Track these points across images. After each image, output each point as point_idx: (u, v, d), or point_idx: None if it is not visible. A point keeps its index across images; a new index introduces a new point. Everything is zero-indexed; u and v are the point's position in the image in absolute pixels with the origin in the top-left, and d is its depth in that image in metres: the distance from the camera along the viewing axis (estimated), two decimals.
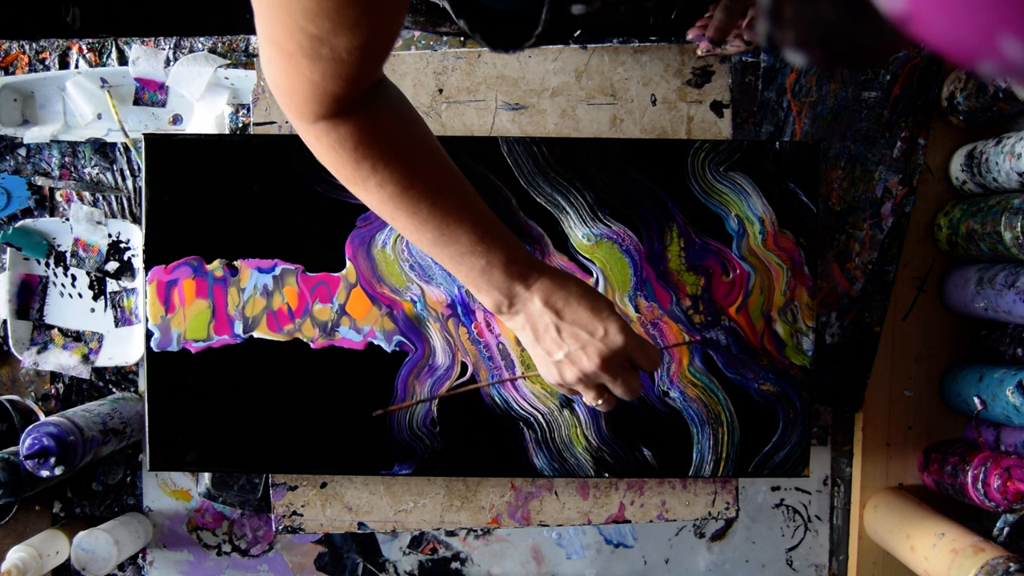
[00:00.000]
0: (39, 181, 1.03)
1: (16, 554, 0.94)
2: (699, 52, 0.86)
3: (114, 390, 1.05)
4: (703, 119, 0.90)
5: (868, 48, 0.27)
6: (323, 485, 0.90)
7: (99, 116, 1.02)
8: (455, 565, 1.09)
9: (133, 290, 1.04)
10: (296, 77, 0.53)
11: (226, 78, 1.00)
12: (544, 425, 0.85)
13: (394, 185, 0.61)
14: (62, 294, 1.04)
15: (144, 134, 0.84)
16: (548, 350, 0.67)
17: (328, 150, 0.60)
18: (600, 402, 0.70)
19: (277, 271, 0.85)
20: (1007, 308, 0.92)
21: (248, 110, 0.99)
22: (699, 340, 0.85)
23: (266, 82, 0.56)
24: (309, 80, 0.53)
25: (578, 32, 0.77)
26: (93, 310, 1.04)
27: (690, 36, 0.84)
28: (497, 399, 0.85)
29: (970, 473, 0.94)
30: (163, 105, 1.03)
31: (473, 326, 0.85)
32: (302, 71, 0.52)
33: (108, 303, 1.04)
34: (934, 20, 0.21)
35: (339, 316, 0.85)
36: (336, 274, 0.85)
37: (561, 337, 0.66)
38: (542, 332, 0.67)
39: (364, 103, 0.58)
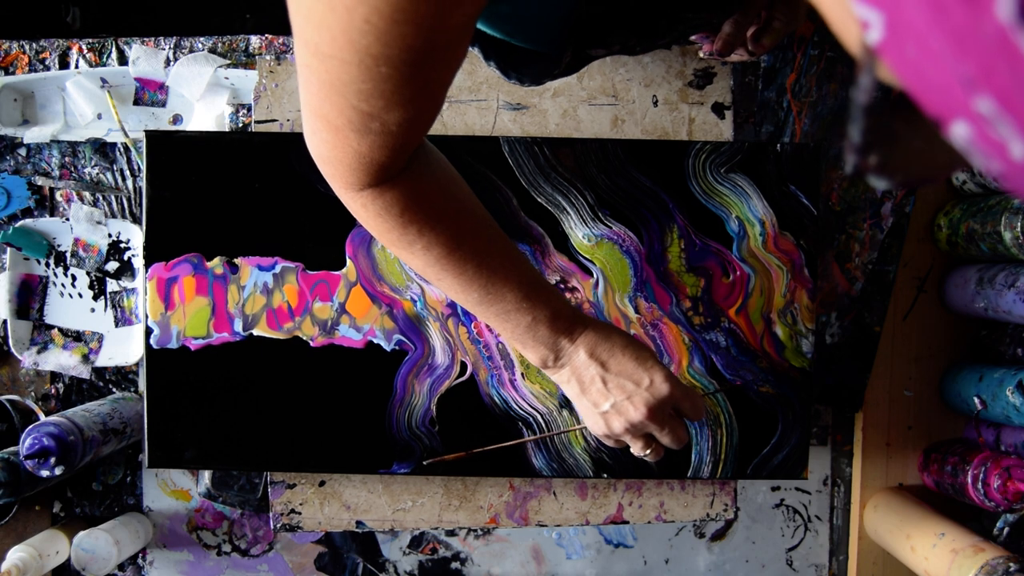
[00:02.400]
0: (39, 181, 1.03)
1: (16, 554, 0.94)
2: (701, 55, 0.87)
3: (114, 390, 1.05)
4: (704, 120, 0.90)
5: (943, 168, 0.29)
6: (321, 483, 0.90)
7: (99, 116, 1.02)
8: (455, 565, 1.09)
9: (133, 290, 1.04)
10: (343, 149, 0.53)
11: (226, 78, 1.00)
12: (543, 425, 0.85)
13: (441, 247, 0.61)
14: (62, 294, 1.04)
15: (145, 131, 0.84)
16: (595, 401, 0.68)
17: (375, 217, 0.59)
18: (648, 452, 0.71)
19: (277, 269, 0.85)
20: (1007, 308, 0.92)
21: (248, 110, 0.99)
22: (735, 387, 0.86)
23: (309, 151, 0.56)
24: (356, 152, 0.52)
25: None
26: (93, 310, 1.04)
27: (693, 36, 0.84)
28: (496, 399, 0.85)
29: (970, 473, 0.94)
30: (163, 105, 1.03)
31: (473, 325, 0.85)
32: (349, 144, 0.52)
33: (108, 303, 1.04)
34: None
35: (339, 314, 0.85)
36: (336, 272, 0.85)
37: (607, 388, 0.67)
38: (588, 384, 0.68)
39: (407, 168, 0.58)
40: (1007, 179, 0.23)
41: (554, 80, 0.73)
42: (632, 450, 0.71)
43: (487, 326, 0.85)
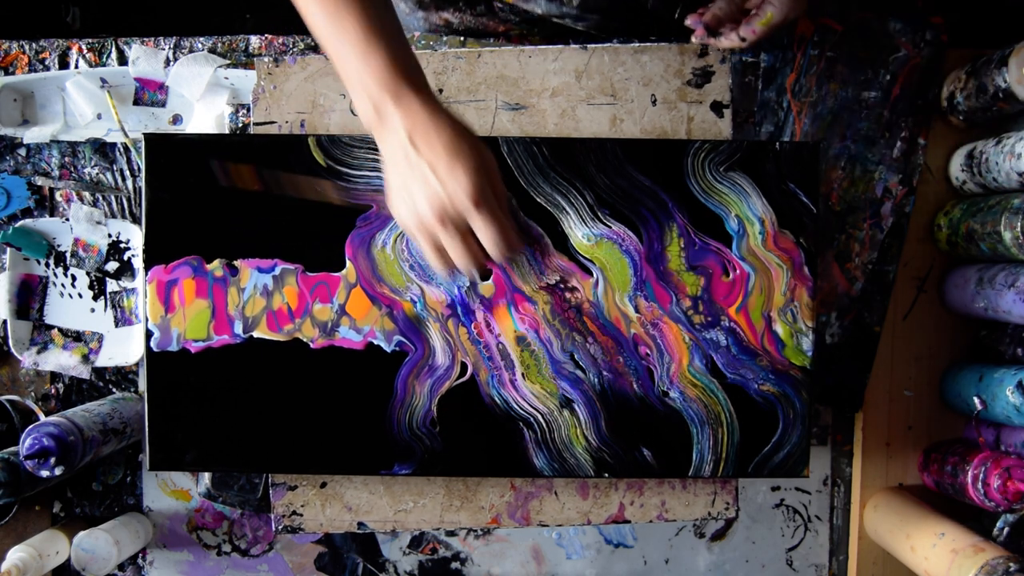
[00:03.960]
0: (39, 181, 1.03)
1: (16, 554, 0.94)
2: (693, 40, 0.86)
3: (114, 390, 1.05)
4: (703, 119, 0.90)
5: None
6: (323, 485, 0.90)
7: (99, 116, 1.02)
8: (455, 565, 1.09)
9: (133, 290, 1.04)
10: None
11: (226, 78, 1.00)
12: (544, 425, 0.85)
13: None
14: (62, 294, 1.04)
15: (144, 134, 0.84)
16: (393, 179, 0.64)
17: None
18: (438, 263, 0.67)
19: (277, 271, 0.85)
20: (1007, 308, 0.92)
21: (248, 110, 0.99)
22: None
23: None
24: None
25: None
26: (93, 310, 1.04)
27: (688, 22, 0.84)
28: (497, 399, 0.85)
29: (970, 473, 0.94)
30: (163, 105, 1.03)
31: (473, 326, 0.85)
32: None
33: (108, 303, 1.04)
34: None
35: (339, 316, 0.85)
36: (336, 274, 0.85)
37: (410, 169, 0.63)
38: (398, 159, 0.63)
39: None
40: None
41: None
42: (423, 251, 0.67)
43: (486, 325, 0.85)
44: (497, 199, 0.65)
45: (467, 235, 0.65)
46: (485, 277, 0.82)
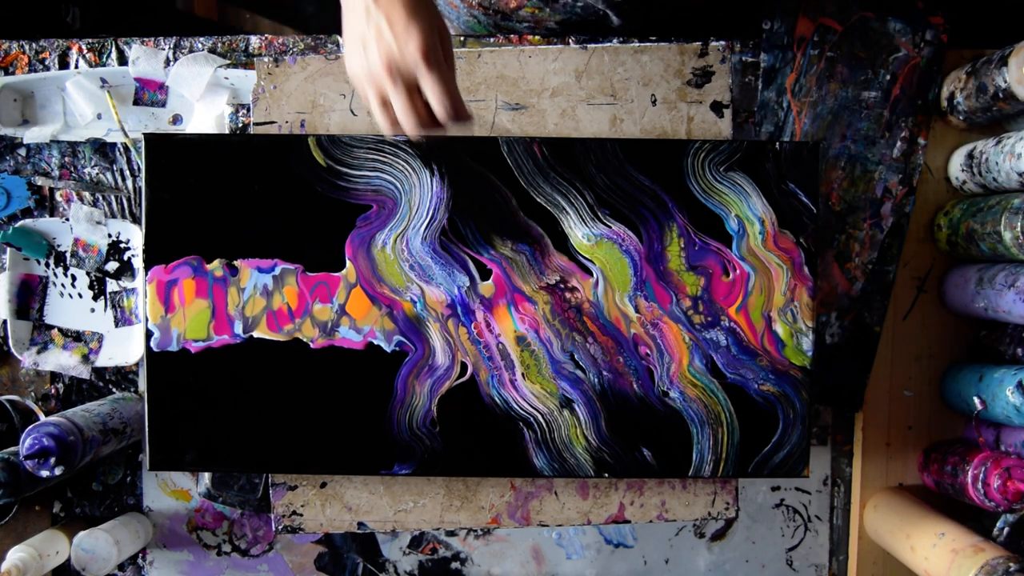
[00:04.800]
0: (39, 181, 1.03)
1: (16, 554, 0.94)
2: None
3: (114, 390, 1.05)
4: (703, 119, 0.90)
5: None
6: (323, 485, 0.90)
7: (99, 116, 1.02)
8: (455, 565, 1.09)
9: (133, 290, 1.04)
10: None
11: (226, 78, 1.00)
12: (544, 425, 0.85)
13: None
14: (62, 294, 1.04)
15: (144, 134, 0.84)
16: (350, 32, 0.66)
17: None
18: (383, 117, 0.68)
19: (277, 271, 0.85)
20: (1007, 308, 0.92)
21: (248, 110, 0.99)
22: None
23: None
24: None
25: None
26: (93, 310, 1.04)
27: None
28: (497, 399, 0.85)
29: (970, 473, 0.94)
30: (163, 105, 1.03)
31: (473, 326, 0.85)
32: None
33: (108, 303, 1.04)
34: None
35: (339, 316, 0.85)
36: (336, 274, 0.85)
37: (367, 20, 0.65)
38: (359, 10, 0.65)
39: None
40: None
41: None
42: (371, 105, 0.69)
43: (486, 325, 0.85)
44: (447, 63, 0.68)
45: (414, 91, 0.67)
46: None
